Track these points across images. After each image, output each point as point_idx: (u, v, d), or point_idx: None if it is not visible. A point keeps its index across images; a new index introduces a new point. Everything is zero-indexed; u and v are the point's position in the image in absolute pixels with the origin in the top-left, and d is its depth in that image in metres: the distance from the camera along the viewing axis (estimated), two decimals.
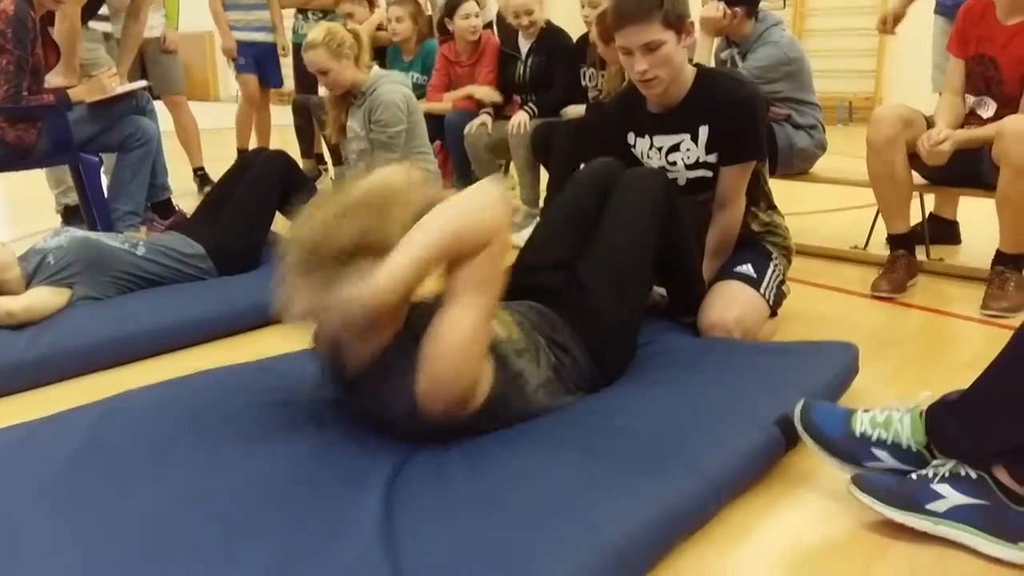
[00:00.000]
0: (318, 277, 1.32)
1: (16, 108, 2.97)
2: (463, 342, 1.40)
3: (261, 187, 2.88)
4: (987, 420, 1.31)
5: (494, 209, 1.43)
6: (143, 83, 3.28)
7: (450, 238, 1.38)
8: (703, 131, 2.14)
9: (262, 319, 2.40)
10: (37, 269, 2.36)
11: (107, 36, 4.10)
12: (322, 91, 3.46)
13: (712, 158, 2.16)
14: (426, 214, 1.39)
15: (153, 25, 4.35)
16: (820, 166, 3.29)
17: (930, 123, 2.63)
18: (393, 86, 3.21)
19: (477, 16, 4.00)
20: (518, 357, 1.59)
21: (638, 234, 1.91)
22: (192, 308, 2.37)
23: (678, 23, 2.01)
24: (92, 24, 3.94)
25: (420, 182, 1.44)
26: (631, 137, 2.27)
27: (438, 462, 1.43)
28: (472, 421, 1.48)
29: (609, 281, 1.85)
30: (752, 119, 2.13)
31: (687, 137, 2.16)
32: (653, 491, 1.32)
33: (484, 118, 3.84)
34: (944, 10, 3.26)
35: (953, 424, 1.35)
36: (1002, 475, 1.30)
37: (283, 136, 5.34)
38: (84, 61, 3.59)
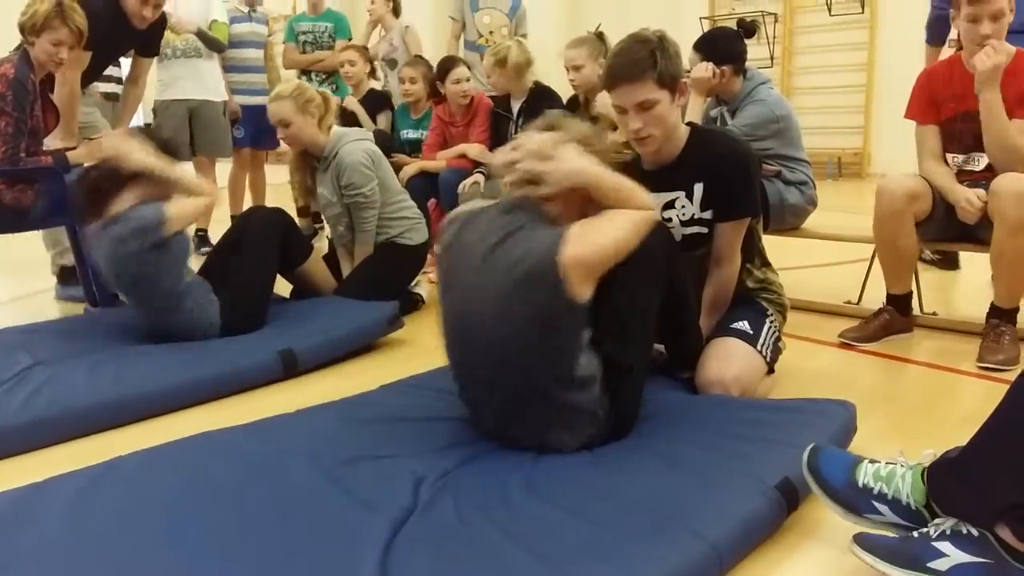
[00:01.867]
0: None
1: (14, 170, 3.00)
2: (615, 234, 1.74)
3: (262, 247, 2.89)
4: (988, 479, 1.29)
5: (650, 209, 1.84)
6: None
7: (625, 191, 1.82)
8: (698, 188, 2.16)
9: (262, 380, 2.41)
10: None
11: (108, 96, 4.18)
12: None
13: (707, 215, 2.18)
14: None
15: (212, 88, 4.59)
16: (811, 222, 3.32)
17: (934, 191, 2.67)
18: (352, 145, 3.16)
19: (468, 80, 4.08)
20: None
21: (642, 291, 1.90)
22: (194, 370, 2.36)
23: (672, 83, 2.05)
24: (100, 86, 4.02)
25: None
26: None
27: (439, 517, 1.43)
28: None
29: (615, 337, 1.84)
30: (746, 177, 2.15)
31: (682, 194, 2.18)
32: (654, 558, 1.30)
33: (477, 177, 3.89)
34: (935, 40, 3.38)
35: (954, 483, 1.34)
36: (1005, 534, 1.28)
37: (278, 194, 5.38)
38: (81, 124, 3.65)
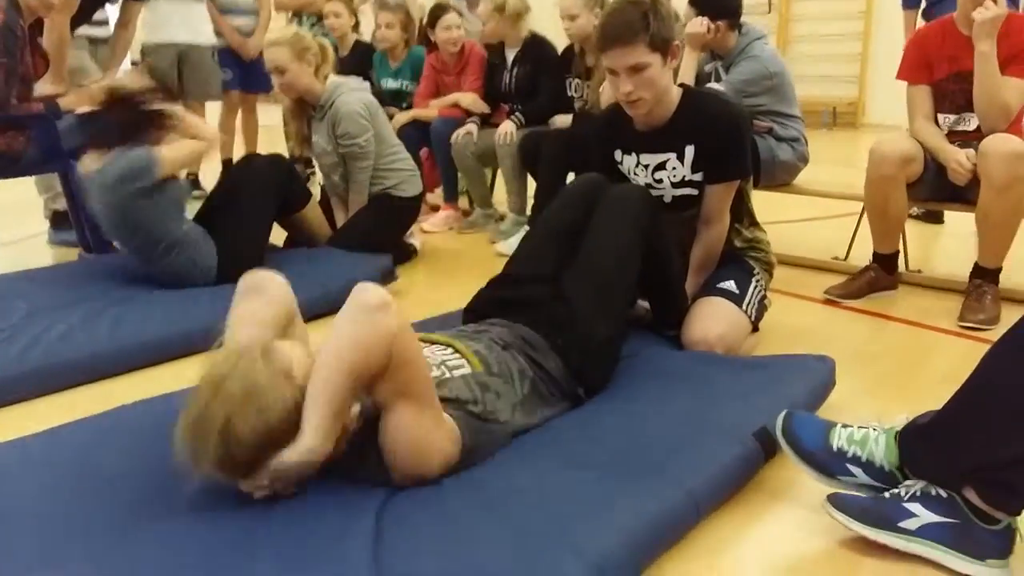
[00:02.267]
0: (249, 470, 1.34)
1: (5, 116, 2.98)
2: (418, 440, 1.40)
3: (261, 195, 2.91)
4: (956, 443, 1.35)
5: (375, 324, 1.32)
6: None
7: (350, 380, 1.32)
8: (689, 150, 2.18)
9: None
10: None
11: (93, 40, 4.12)
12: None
13: (698, 177, 2.20)
14: (313, 367, 1.36)
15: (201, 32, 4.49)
16: (803, 177, 3.34)
17: (927, 152, 2.70)
18: (350, 96, 3.16)
19: (459, 27, 4.02)
20: (484, 391, 1.60)
21: (622, 250, 1.96)
22: (189, 319, 2.38)
23: (664, 46, 2.05)
24: (85, 30, 3.96)
25: (283, 363, 1.37)
26: (618, 154, 2.30)
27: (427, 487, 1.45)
28: (454, 471, 1.48)
29: (593, 295, 1.89)
30: (738, 139, 2.17)
31: (673, 156, 2.20)
32: (634, 506, 1.36)
33: (470, 127, 3.87)
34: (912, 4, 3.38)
35: (924, 447, 1.39)
36: (971, 495, 1.34)
37: (270, 136, 5.34)
38: (70, 68, 3.60)
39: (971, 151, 2.58)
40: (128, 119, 2.65)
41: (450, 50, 4.04)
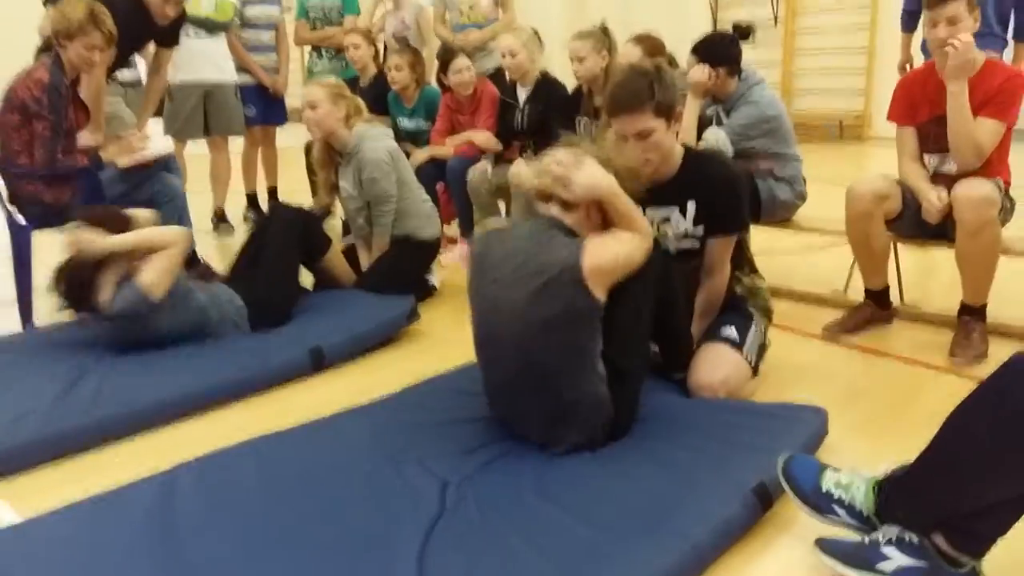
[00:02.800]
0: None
1: (53, 171, 3.19)
2: (624, 249, 1.99)
3: (284, 247, 3.11)
4: (926, 494, 1.53)
5: (649, 235, 2.08)
6: (170, 146, 3.49)
7: (632, 214, 2.04)
8: (691, 206, 2.37)
9: (293, 376, 2.67)
10: None
11: (124, 84, 4.33)
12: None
13: (699, 230, 2.38)
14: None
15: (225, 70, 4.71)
16: (802, 213, 3.51)
17: (904, 191, 2.86)
18: (375, 143, 3.36)
19: (469, 70, 4.21)
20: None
21: (637, 303, 2.12)
22: (227, 369, 2.59)
23: (668, 111, 2.24)
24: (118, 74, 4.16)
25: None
26: None
27: (465, 520, 1.69)
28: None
29: (614, 345, 2.06)
30: (735, 197, 2.36)
31: (676, 211, 2.39)
32: (643, 558, 1.56)
33: (484, 164, 4.06)
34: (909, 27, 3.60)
35: (899, 497, 1.58)
36: (939, 541, 1.52)
37: (290, 160, 5.54)
38: (106, 115, 3.81)
39: (944, 191, 2.74)
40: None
41: (463, 92, 4.23)
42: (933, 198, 2.74)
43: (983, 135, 2.71)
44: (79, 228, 2.78)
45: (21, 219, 3.27)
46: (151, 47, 4.08)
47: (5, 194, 3.35)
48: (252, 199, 5.29)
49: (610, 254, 1.97)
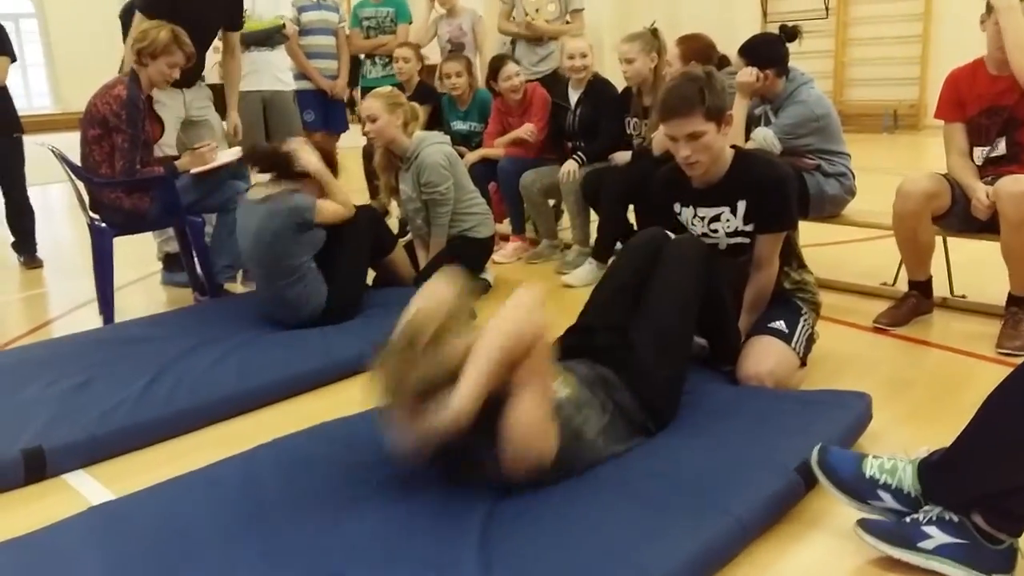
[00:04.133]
0: (407, 415, 1.75)
1: (132, 180, 3.40)
2: (535, 422, 1.78)
3: (361, 243, 3.30)
4: (965, 475, 1.61)
5: (531, 319, 1.79)
6: (237, 152, 3.66)
7: (503, 356, 1.74)
8: (741, 205, 2.45)
9: (358, 369, 2.77)
10: None
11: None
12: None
13: (749, 228, 2.47)
14: (475, 338, 1.76)
15: (282, 78, 4.86)
16: (852, 205, 3.54)
17: (953, 187, 2.91)
18: (433, 148, 3.54)
19: (518, 75, 4.35)
20: (578, 411, 1.95)
21: (682, 299, 2.23)
22: (301, 362, 2.77)
23: (718, 115, 2.33)
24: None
25: (455, 312, 1.80)
26: (677, 207, 2.59)
27: (517, 509, 1.78)
28: (547, 475, 1.83)
29: (656, 342, 2.17)
30: (784, 196, 2.44)
31: (727, 210, 2.48)
32: (691, 532, 1.66)
33: (571, 166, 4.02)
34: None
35: (938, 478, 1.66)
36: (978, 519, 1.60)
37: (348, 162, 5.71)
38: (196, 118, 4.02)
39: (992, 189, 2.76)
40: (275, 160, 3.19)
41: (513, 98, 4.37)
42: (982, 196, 2.78)
43: None
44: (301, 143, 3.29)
45: (103, 225, 3.49)
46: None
47: (88, 201, 3.57)
48: None
49: (531, 457, 1.79)
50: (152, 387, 2.56)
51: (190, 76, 3.85)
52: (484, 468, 1.81)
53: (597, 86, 4.20)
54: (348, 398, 2.60)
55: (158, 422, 2.41)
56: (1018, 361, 2.63)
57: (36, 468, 2.17)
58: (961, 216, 2.92)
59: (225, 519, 1.82)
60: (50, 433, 2.27)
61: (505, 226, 4.62)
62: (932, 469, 1.68)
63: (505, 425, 1.75)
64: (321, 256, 3.20)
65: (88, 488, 2.16)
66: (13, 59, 4.67)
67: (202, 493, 1.94)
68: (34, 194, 4.85)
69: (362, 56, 5.56)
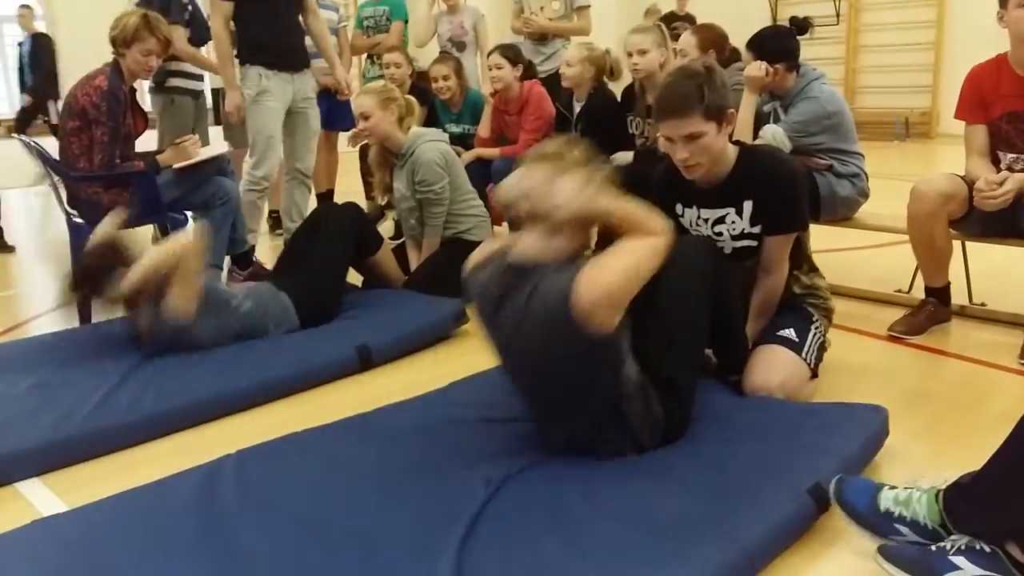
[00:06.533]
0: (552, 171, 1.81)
1: (111, 174, 3.26)
2: (624, 265, 1.75)
3: (338, 242, 3.13)
4: (999, 502, 1.44)
5: (664, 233, 1.82)
6: (224, 148, 3.53)
7: (635, 218, 1.81)
8: (747, 206, 2.28)
9: (340, 374, 2.66)
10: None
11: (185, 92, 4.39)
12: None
13: (756, 229, 2.30)
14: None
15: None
16: (865, 210, 3.38)
17: (971, 189, 2.71)
18: (429, 145, 3.38)
19: (500, 67, 4.23)
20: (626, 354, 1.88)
21: (690, 303, 2.06)
22: (275, 366, 2.60)
23: (718, 114, 2.16)
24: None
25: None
26: (678, 208, 2.42)
27: (505, 524, 1.64)
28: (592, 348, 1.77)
29: (665, 347, 1.99)
30: (793, 195, 2.27)
31: (732, 211, 2.31)
32: (696, 561, 1.49)
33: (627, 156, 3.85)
34: None
35: (967, 507, 1.49)
36: (1015, 551, 1.43)
37: (342, 165, 5.60)
38: (300, 108, 3.96)
39: (995, 175, 2.52)
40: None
41: (508, 94, 4.25)
42: (981, 183, 2.51)
43: None
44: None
45: (80, 221, 3.34)
46: None
47: (65, 196, 3.43)
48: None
49: (607, 280, 1.73)
50: (116, 392, 2.40)
51: (299, 55, 3.76)
52: (553, 290, 1.76)
53: (599, 99, 4.07)
54: (320, 405, 2.45)
55: (118, 429, 2.25)
56: None
57: None
58: (979, 219, 2.74)
59: (182, 533, 1.66)
60: (1, 439, 2.12)
61: (505, 228, 4.47)
62: (959, 496, 1.51)
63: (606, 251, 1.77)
64: (294, 254, 3.05)
65: (40, 498, 2.00)
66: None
67: (158, 503, 1.79)
68: (28, 194, 4.71)
69: (364, 56, 5.45)
